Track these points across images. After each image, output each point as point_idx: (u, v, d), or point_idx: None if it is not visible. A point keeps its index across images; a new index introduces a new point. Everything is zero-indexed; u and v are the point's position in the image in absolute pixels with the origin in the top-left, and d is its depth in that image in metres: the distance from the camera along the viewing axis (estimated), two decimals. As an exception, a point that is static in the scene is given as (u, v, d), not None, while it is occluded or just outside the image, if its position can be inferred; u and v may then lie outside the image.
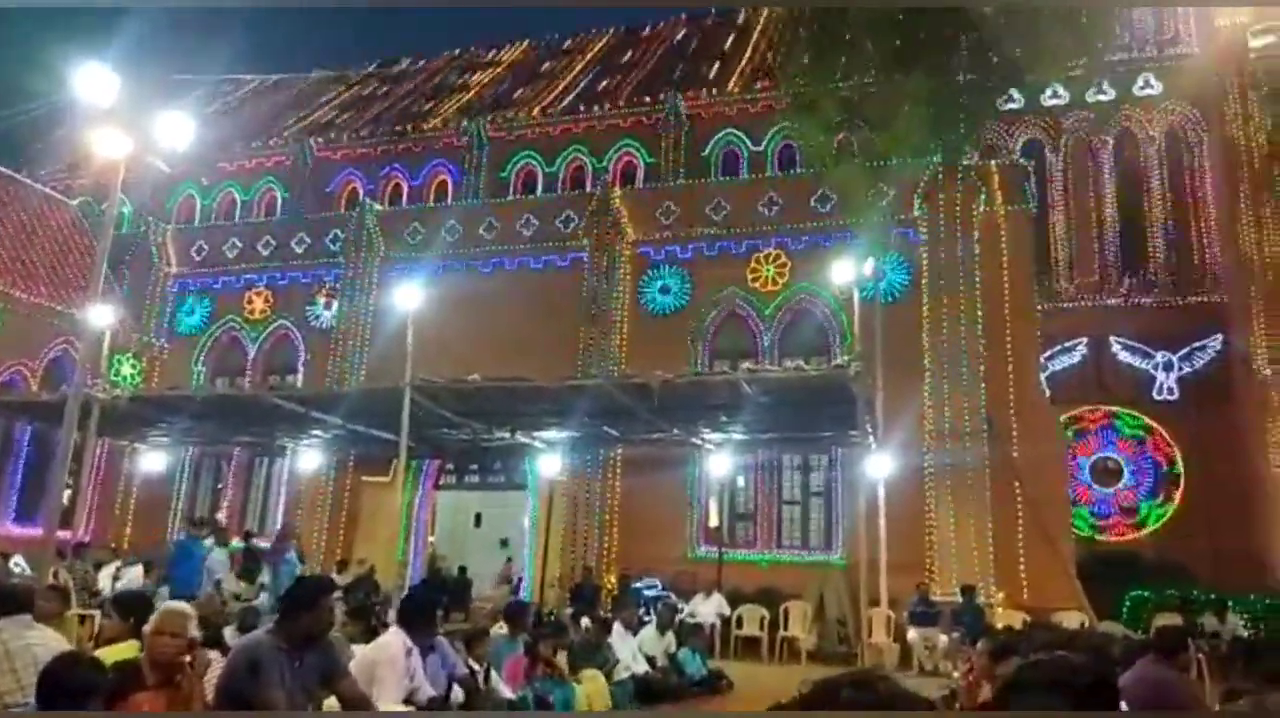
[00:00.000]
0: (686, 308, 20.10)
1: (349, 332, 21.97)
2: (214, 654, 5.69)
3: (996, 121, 22.63)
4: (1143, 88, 23.67)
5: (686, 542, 18.94)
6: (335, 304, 22.38)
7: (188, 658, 4.59)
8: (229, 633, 8.20)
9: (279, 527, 17.56)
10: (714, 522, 18.63)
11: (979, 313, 17.98)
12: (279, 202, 29.38)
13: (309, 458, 20.80)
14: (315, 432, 19.36)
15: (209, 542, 14.64)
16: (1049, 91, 23.52)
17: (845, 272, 16.19)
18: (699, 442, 18.26)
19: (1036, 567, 16.75)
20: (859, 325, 16.25)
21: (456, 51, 36.11)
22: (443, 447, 19.99)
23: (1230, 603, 15.65)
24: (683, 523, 19.05)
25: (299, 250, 23.51)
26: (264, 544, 16.17)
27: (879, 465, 15.74)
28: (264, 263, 23.69)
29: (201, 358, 23.57)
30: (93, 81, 9.49)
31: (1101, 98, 23.78)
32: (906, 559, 16.21)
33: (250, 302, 23.57)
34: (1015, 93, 21.43)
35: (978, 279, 18.18)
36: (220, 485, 23.24)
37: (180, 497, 22.90)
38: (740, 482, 19.53)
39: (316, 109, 33.08)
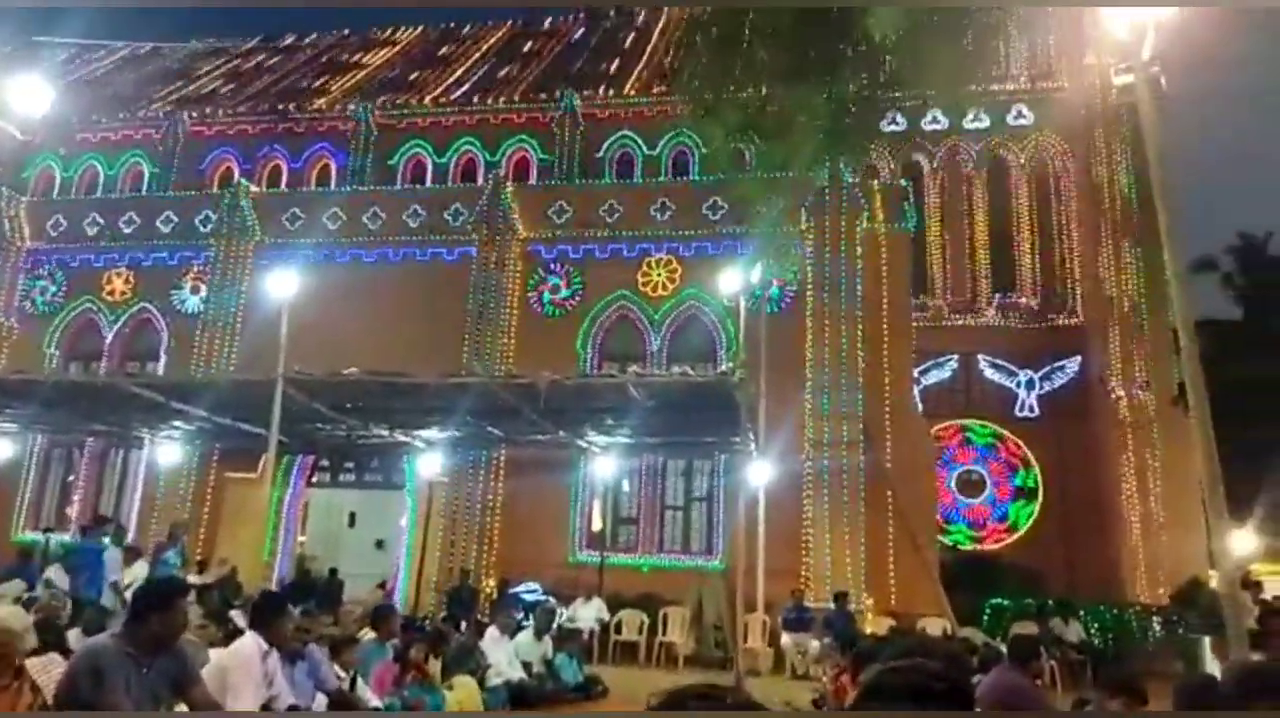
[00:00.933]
0: (576, 309, 19.96)
1: (218, 319, 20.81)
2: (55, 658, 5.31)
3: (879, 143, 23.45)
4: (1016, 118, 25.01)
5: (568, 546, 18.80)
6: (204, 289, 21.17)
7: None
8: (73, 636, 7.70)
9: (166, 529, 16.30)
10: (597, 526, 18.55)
11: (859, 326, 18.54)
12: (146, 177, 27.67)
13: (169, 451, 19.60)
14: (177, 423, 18.26)
15: (106, 540, 13.62)
16: (929, 116, 24.59)
17: (733, 280, 16.41)
18: (584, 444, 18.15)
19: (904, 574, 17.39)
20: (745, 334, 16.47)
21: (348, 31, 34.93)
22: (316, 443, 19.20)
23: (1081, 612, 16.62)
24: (565, 527, 18.90)
25: (165, 230, 22.14)
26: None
27: (760, 472, 16.01)
28: (126, 242, 22.20)
29: (55, 340, 21.90)
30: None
31: (977, 125, 25.01)
32: (784, 565, 16.55)
33: (110, 282, 22.05)
34: (898, 116, 22.25)
35: (859, 293, 18.74)
36: (71, 478, 21.65)
37: (27, 488, 21.23)
38: (625, 486, 19.53)
39: (193, 81, 31.35)
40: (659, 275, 19.80)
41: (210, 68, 32.44)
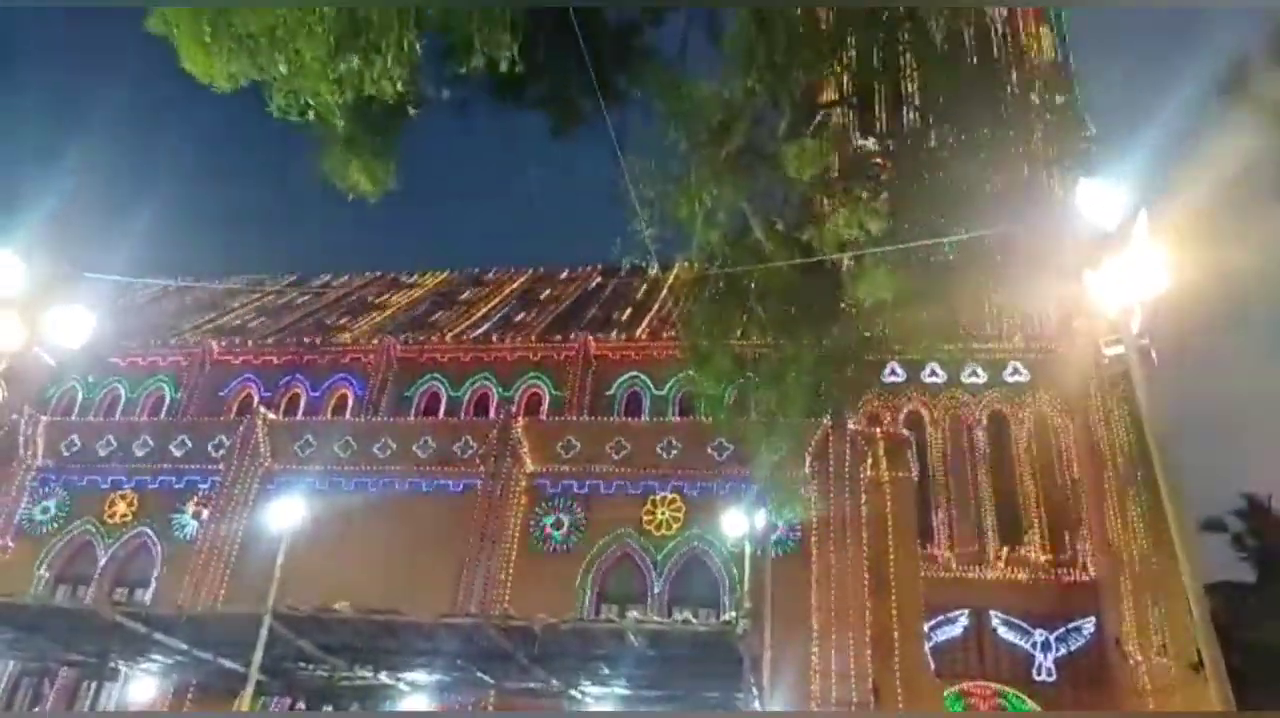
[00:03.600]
0: (578, 546, 19.68)
1: (215, 545, 20.54)
2: None
3: (880, 392, 24.08)
4: (1012, 374, 25.77)
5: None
6: (205, 513, 21.05)
7: None
8: None
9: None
10: (586, 786, 17.17)
11: (865, 575, 18.12)
12: (167, 402, 28.36)
13: (143, 686, 18.63)
14: (155, 655, 17.46)
15: None
16: (927, 369, 25.40)
17: (738, 522, 16.28)
18: (577, 695, 17.19)
19: None
20: (749, 578, 16.09)
21: (379, 273, 37.12)
22: (295, 684, 18.25)
23: None
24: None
25: (177, 453, 22.39)
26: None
27: (764, 732, 15.01)
28: (136, 464, 22.39)
29: (47, 561, 21.52)
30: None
31: (974, 380, 25.74)
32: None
33: (113, 504, 21.99)
34: (897, 367, 23.03)
35: (865, 540, 18.50)
36: (37, 710, 20.42)
37: (-14, 721, 20.02)
38: (618, 742, 18.26)
39: (224, 313, 32.95)
40: (663, 514, 19.69)
41: (242, 303, 34.20)
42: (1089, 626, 22.04)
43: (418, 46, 7.28)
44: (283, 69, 6.54)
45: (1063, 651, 21.97)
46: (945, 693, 19.65)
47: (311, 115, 7.04)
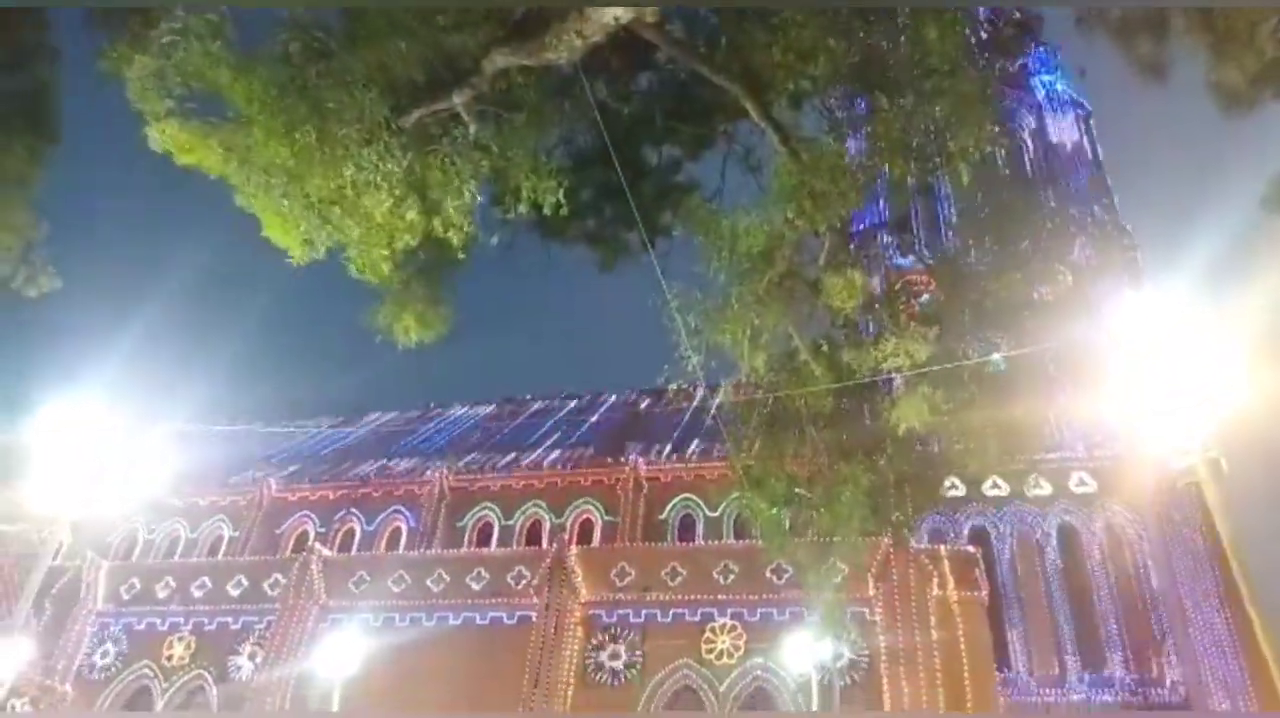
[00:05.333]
0: (637, 677, 19.08)
1: (269, 687, 20.30)
2: None
3: (943, 508, 23.45)
4: (1078, 485, 24.93)
5: None
6: (260, 655, 20.91)
7: None
8: None
9: None
10: None
11: (940, 701, 17.24)
12: (225, 541, 28.68)
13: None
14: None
15: None
16: (989, 482, 24.69)
17: (802, 649, 15.72)
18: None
19: None
20: (817, 707, 15.42)
21: (430, 405, 37.76)
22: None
23: None
24: None
25: (234, 593, 22.49)
26: None
27: None
28: (194, 605, 22.50)
29: (106, 707, 21.42)
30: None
31: (1039, 492, 24.93)
32: None
33: (170, 647, 22.02)
34: (957, 482, 22.50)
35: (937, 664, 17.68)
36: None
37: None
38: None
39: (279, 453, 33.62)
40: (723, 642, 19.10)
41: (297, 443, 34.92)
42: (1185, 753, 20.53)
43: (478, 196, 7.70)
44: (355, 232, 6.96)
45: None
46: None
47: (386, 271, 7.43)
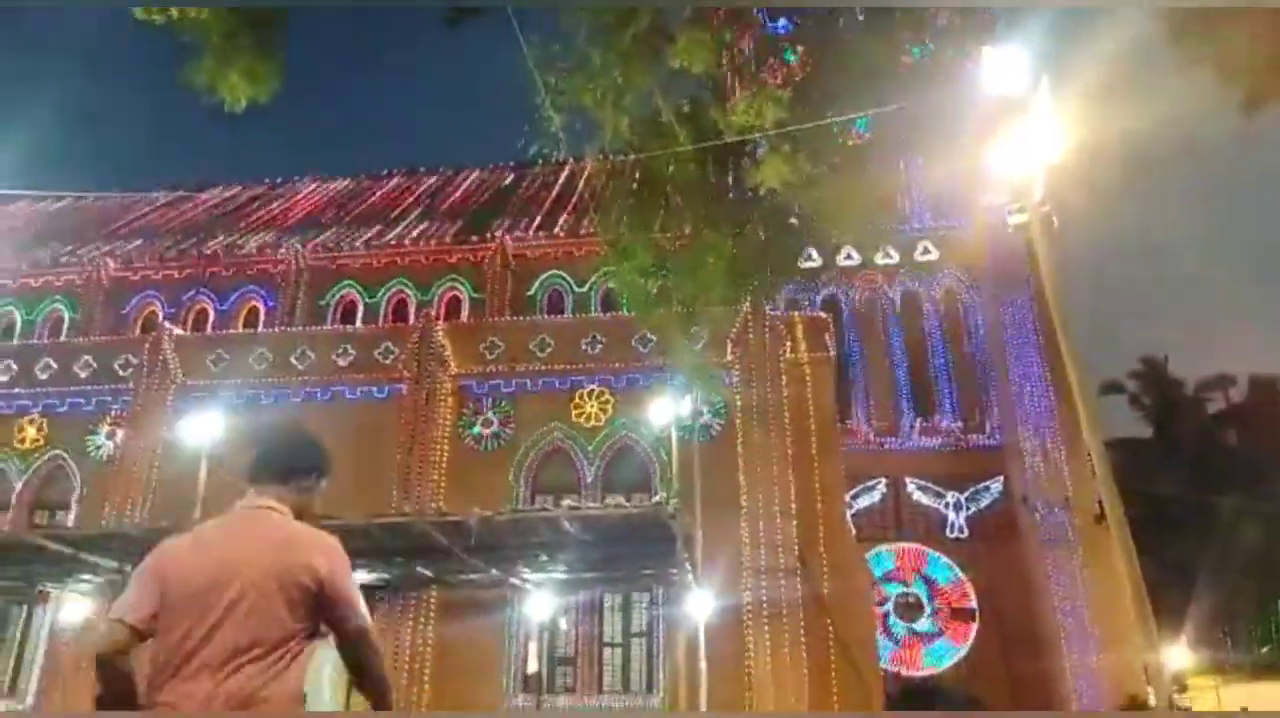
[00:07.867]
0: (509, 442, 19.89)
1: (134, 464, 20.08)
2: None
3: (798, 277, 24.55)
4: (922, 254, 26.57)
5: (502, 690, 18.04)
6: (120, 434, 20.50)
7: None
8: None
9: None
10: (533, 667, 17.89)
11: (789, 453, 18.85)
12: (65, 323, 27.11)
13: (76, 608, 18.43)
14: (86, 576, 17.29)
15: None
16: (843, 253, 25.92)
17: (664, 410, 16.66)
18: (518, 583, 17.72)
19: (848, 703, 17.09)
20: (679, 464, 16.61)
21: (280, 179, 35.44)
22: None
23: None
24: (497, 670, 18.18)
25: (83, 375, 21.58)
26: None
27: (700, 603, 15.80)
28: (41, 387, 21.55)
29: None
30: None
31: (887, 261, 26.48)
32: (727, 698, 16.11)
33: (21, 430, 21.23)
34: (813, 252, 23.44)
35: (787, 421, 19.16)
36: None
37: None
38: (561, 624, 18.99)
39: (117, 227, 31.27)
40: (591, 407, 19.97)
41: (133, 217, 32.46)
42: (997, 485, 23.59)
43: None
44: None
45: (973, 509, 23.55)
46: (868, 554, 20.91)
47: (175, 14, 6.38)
